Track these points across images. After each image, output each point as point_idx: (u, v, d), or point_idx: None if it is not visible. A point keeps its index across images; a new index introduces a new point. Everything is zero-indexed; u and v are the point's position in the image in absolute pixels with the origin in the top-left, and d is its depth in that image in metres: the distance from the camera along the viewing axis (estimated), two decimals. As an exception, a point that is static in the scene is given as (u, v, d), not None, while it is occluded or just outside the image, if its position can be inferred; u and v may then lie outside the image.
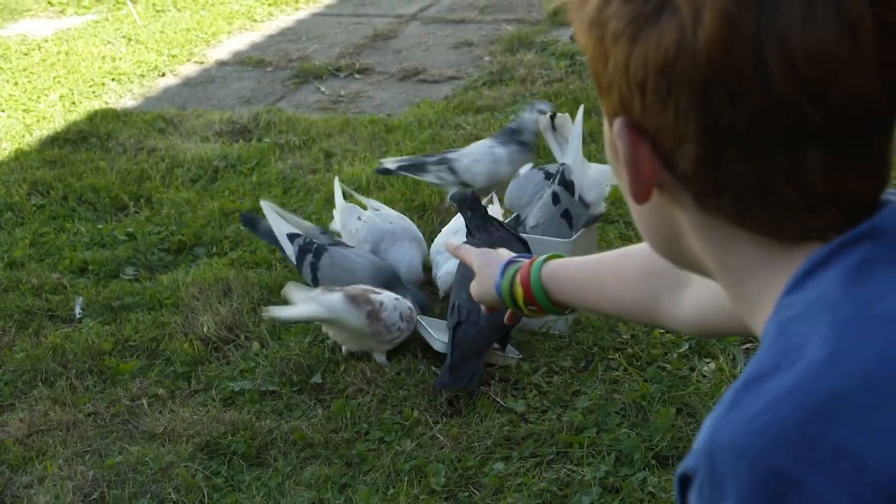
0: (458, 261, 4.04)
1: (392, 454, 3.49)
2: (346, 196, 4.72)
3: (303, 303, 3.91)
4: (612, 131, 1.04)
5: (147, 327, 4.27)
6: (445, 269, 4.18)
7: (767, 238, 1.03)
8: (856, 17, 0.92)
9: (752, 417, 0.91)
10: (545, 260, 1.89)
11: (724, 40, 0.93)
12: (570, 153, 4.14)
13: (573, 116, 4.36)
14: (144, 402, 3.83)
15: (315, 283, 4.23)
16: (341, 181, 5.30)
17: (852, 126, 0.95)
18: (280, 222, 4.42)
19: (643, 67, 0.98)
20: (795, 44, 0.92)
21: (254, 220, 4.56)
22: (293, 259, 4.33)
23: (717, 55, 0.93)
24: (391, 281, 4.17)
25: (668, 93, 0.97)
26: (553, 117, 4.14)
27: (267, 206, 4.48)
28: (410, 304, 4.03)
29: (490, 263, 1.98)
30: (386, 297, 3.99)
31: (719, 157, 0.98)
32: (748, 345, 3.95)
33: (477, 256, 2.03)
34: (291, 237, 4.35)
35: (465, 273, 3.88)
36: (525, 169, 4.38)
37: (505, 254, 1.99)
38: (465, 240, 4.10)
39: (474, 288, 2.01)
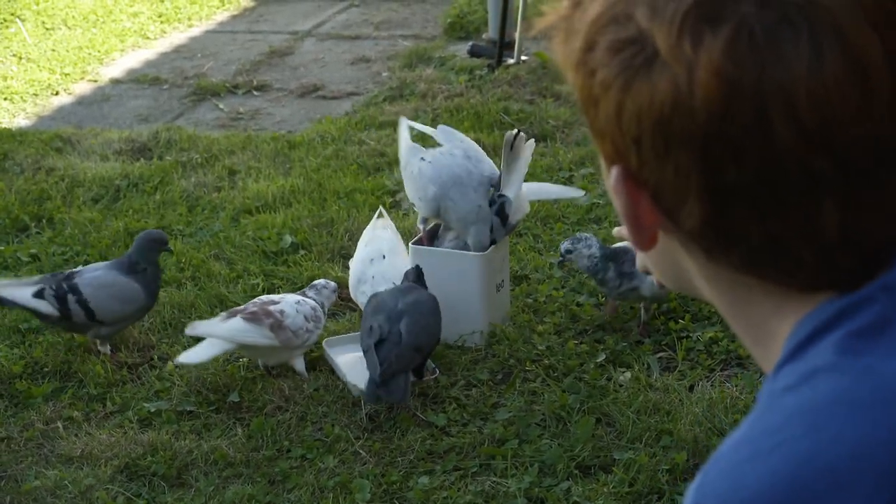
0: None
1: (315, 471, 3.48)
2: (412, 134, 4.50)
3: (206, 340, 3.89)
4: (610, 179, 0.99)
5: (58, 350, 4.20)
6: None
7: (780, 287, 0.98)
8: (863, 53, 0.87)
9: None
10: None
11: (722, 99, 0.88)
12: (512, 186, 4.12)
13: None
14: (59, 425, 3.77)
15: (91, 316, 4.02)
16: (246, 196, 5.29)
17: (866, 172, 0.90)
18: (17, 291, 4.09)
19: (637, 123, 0.93)
20: (800, 96, 0.87)
21: None
22: (55, 311, 4.03)
23: (715, 113, 0.89)
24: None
25: (665, 150, 0.92)
26: (516, 136, 4.05)
27: None
28: (314, 304, 4.02)
29: None
30: (286, 303, 3.98)
31: (726, 216, 0.93)
32: (661, 354, 4.00)
33: None
34: (38, 294, 4.05)
35: (380, 301, 3.87)
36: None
37: None
38: (378, 269, 4.18)
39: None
